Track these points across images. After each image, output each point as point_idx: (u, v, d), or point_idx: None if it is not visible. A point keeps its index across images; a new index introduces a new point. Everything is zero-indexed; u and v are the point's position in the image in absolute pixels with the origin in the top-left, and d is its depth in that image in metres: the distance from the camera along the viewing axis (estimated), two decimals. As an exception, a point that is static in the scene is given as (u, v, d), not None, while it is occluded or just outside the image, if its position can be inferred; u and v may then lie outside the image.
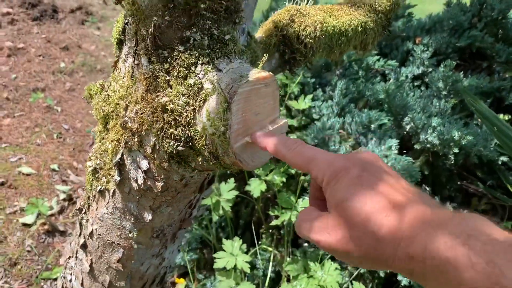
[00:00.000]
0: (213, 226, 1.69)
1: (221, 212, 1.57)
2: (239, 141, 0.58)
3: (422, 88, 1.96)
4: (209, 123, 0.59)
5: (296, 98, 1.73)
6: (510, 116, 2.49)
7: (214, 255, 1.43)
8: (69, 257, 0.95)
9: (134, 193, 0.76)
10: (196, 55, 0.62)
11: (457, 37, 1.96)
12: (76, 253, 0.90)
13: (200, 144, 0.62)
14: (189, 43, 0.62)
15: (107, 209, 0.81)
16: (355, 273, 1.60)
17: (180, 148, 0.64)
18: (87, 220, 0.85)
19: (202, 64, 0.62)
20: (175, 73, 0.63)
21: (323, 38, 0.89)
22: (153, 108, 0.66)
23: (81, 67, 3.31)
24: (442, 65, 1.69)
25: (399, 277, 1.47)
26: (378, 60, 1.88)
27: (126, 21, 0.69)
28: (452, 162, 1.57)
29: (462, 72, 2.10)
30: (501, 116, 2.50)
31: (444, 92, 1.73)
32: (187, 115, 0.62)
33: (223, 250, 1.47)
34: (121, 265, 0.84)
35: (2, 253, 1.72)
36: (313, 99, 1.69)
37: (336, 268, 1.50)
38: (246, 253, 1.58)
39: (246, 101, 0.58)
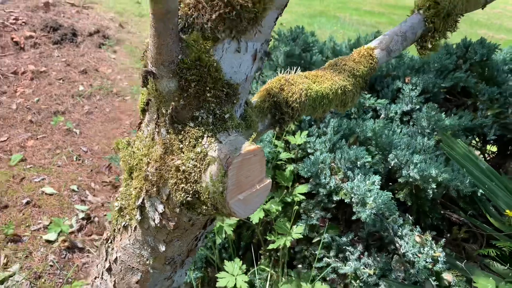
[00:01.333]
0: (216, 247, 1.88)
1: (224, 235, 1.76)
2: (233, 198, 0.78)
3: (411, 123, 2.15)
4: (211, 183, 0.79)
5: (294, 133, 1.93)
6: (496, 148, 2.67)
7: (217, 275, 1.63)
8: (95, 278, 1.15)
9: (152, 229, 0.96)
10: (203, 130, 0.82)
11: (443, 78, 2.15)
12: (102, 275, 1.10)
13: (204, 197, 0.82)
14: (198, 121, 0.82)
15: (129, 240, 1.01)
16: (343, 293, 1.78)
17: (189, 199, 0.84)
18: (112, 249, 1.05)
19: (207, 137, 0.82)
20: (187, 143, 0.83)
21: (307, 101, 1.09)
22: (169, 167, 0.86)
23: (98, 91, 3.54)
24: (425, 106, 1.88)
25: (381, 298, 1.65)
26: (369, 98, 2.07)
27: (149, 97, 0.90)
28: (431, 195, 1.75)
29: (449, 108, 2.29)
30: (488, 147, 2.68)
31: (428, 130, 1.91)
32: (195, 175, 0.82)
33: (225, 271, 1.66)
34: (139, 286, 1.04)
35: (28, 267, 1.92)
36: (308, 135, 1.89)
37: (326, 289, 1.68)
38: (247, 272, 1.76)
39: (239, 168, 0.78)
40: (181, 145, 0.84)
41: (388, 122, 2.00)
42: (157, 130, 0.88)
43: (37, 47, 4.05)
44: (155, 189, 0.90)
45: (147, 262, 1.01)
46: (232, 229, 1.81)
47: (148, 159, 0.91)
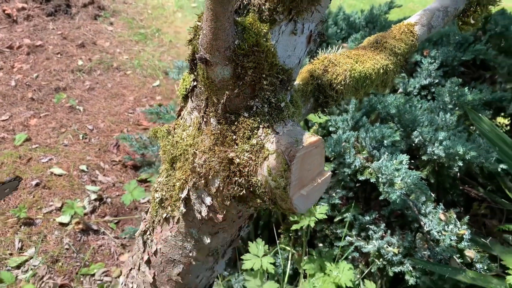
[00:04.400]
0: (237, 227, 1.85)
1: (245, 216, 1.73)
2: (295, 193, 0.73)
3: (429, 97, 2.11)
4: (270, 178, 0.74)
5: (313, 110, 1.87)
6: (510, 121, 2.65)
7: (242, 257, 1.60)
8: (131, 269, 1.11)
9: (197, 222, 0.92)
10: (258, 120, 0.76)
11: (463, 51, 2.10)
12: (139, 266, 1.06)
13: (260, 191, 0.77)
14: (253, 110, 0.77)
15: (171, 232, 0.97)
16: (366, 271, 1.77)
17: (242, 192, 0.79)
18: (152, 240, 1.01)
19: (263, 127, 0.76)
20: (241, 134, 0.77)
21: (351, 83, 1.03)
22: (220, 159, 0.80)
23: (98, 65, 3.43)
24: (449, 82, 1.83)
25: (407, 276, 1.64)
26: (389, 73, 2.01)
27: (195, 84, 0.83)
28: (455, 172, 1.73)
29: (465, 81, 2.24)
30: (500, 119, 2.66)
31: (450, 106, 1.87)
32: (249, 168, 0.77)
33: (248, 252, 1.63)
34: (180, 278, 1.00)
35: (44, 251, 1.88)
36: (329, 113, 1.83)
37: (350, 268, 1.67)
38: (268, 250, 1.75)
39: (301, 162, 0.73)
40: (234, 136, 0.78)
41: (408, 97, 1.95)
42: (205, 119, 0.82)
43: (30, 20, 3.89)
44: (203, 181, 0.85)
45: (190, 254, 0.97)
46: (253, 210, 1.78)
47: (195, 150, 0.85)
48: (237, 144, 0.78)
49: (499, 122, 2.70)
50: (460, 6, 1.20)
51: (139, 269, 1.07)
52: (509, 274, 1.53)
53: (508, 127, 2.61)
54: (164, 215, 0.96)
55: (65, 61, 3.38)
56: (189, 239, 0.95)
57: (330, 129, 1.80)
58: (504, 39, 2.25)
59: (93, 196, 2.18)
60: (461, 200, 2.05)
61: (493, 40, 2.23)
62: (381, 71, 1.11)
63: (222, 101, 0.76)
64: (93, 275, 1.85)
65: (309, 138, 0.74)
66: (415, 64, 2.17)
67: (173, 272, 1.00)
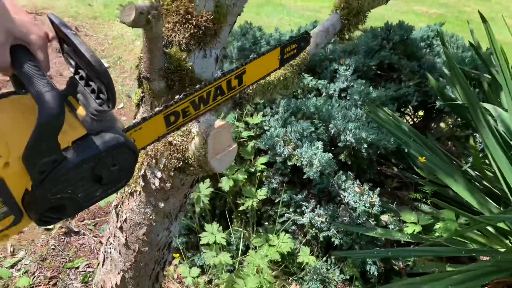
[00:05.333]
0: (196, 216, 2.24)
1: (201, 204, 2.12)
2: (212, 158, 1.14)
3: (348, 98, 2.57)
4: (196, 150, 1.14)
5: (251, 115, 2.30)
6: (423, 112, 3.14)
7: (200, 235, 1.99)
8: (109, 237, 1.49)
9: (153, 191, 1.31)
10: (186, 114, 1.17)
11: (370, 58, 2.58)
12: (115, 233, 1.44)
13: (191, 161, 1.17)
14: (182, 108, 1.17)
15: (135, 202, 1.35)
16: (303, 240, 2.18)
17: (180, 164, 1.19)
18: (122, 211, 1.39)
19: (189, 119, 1.17)
20: (175, 124, 1.18)
21: (258, 88, 1.45)
22: (163, 143, 1.20)
23: (66, 94, 3.76)
24: (356, 84, 2.30)
25: (333, 239, 2.06)
26: (312, 80, 2.47)
27: (143, 94, 1.24)
28: (365, 154, 2.18)
29: (379, 82, 2.73)
30: (420, 112, 3.16)
31: (360, 102, 2.33)
32: (183, 146, 1.17)
33: (206, 232, 2.02)
34: (145, 237, 1.38)
35: (33, 252, 2.21)
36: (263, 115, 2.26)
37: (289, 237, 2.08)
38: (222, 232, 2.14)
39: (214, 138, 1.14)
40: (171, 127, 1.19)
41: (328, 98, 2.40)
42: (151, 118, 1.22)
43: (-2, 57, 4.19)
44: (154, 160, 1.24)
45: (150, 217, 1.36)
46: (208, 199, 2.18)
47: (147, 140, 1.25)
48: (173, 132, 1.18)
49: (417, 114, 3.21)
50: (337, 27, 1.65)
51: (115, 236, 1.45)
52: (407, 226, 1.98)
53: (421, 117, 3.12)
54: (129, 190, 1.34)
55: (35, 92, 3.70)
56: (148, 206, 1.34)
57: (265, 127, 2.22)
58: (407, 45, 2.76)
59: (72, 205, 2.52)
60: (381, 178, 2.51)
61: (397, 46, 2.73)
62: (281, 78, 1.54)
63: (160, 104, 1.17)
64: (78, 267, 2.19)
65: (219, 122, 1.15)
66: (334, 72, 2.63)
67: (140, 233, 1.38)
